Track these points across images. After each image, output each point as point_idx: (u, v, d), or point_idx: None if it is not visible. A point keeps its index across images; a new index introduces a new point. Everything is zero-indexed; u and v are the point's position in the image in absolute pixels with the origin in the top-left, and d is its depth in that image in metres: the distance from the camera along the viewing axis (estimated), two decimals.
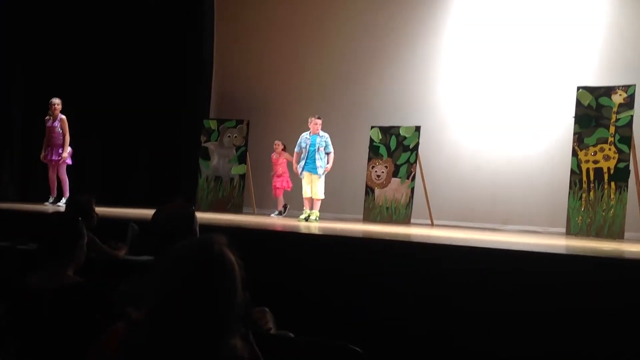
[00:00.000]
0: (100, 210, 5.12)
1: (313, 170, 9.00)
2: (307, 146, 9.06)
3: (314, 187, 9.01)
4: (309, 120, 9.16)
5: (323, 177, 9.05)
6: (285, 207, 10.38)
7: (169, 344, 1.59)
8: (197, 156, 11.09)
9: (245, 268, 1.73)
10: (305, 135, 9.17)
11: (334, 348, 2.36)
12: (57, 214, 3.20)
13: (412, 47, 10.72)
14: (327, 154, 9.06)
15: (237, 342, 1.63)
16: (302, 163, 9.10)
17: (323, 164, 8.99)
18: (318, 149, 9.00)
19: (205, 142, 11.13)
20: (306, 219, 8.96)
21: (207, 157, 11.08)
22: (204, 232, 2.13)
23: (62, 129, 9.41)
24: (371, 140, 10.07)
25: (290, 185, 10.39)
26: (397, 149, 9.85)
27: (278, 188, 10.43)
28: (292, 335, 2.60)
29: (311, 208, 9.06)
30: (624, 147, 8.05)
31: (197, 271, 1.61)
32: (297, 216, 9.39)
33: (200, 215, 8.46)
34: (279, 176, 10.43)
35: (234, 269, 1.65)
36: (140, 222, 5.70)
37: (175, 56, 11.62)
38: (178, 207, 2.71)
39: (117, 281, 2.68)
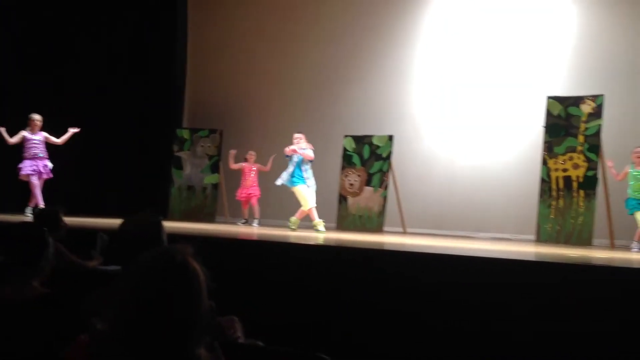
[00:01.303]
0: (71, 220, 5.07)
1: (301, 181, 8.87)
2: (292, 159, 8.92)
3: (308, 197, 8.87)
4: None
5: (311, 185, 8.92)
6: (247, 221, 10.31)
7: (133, 355, 1.58)
8: (169, 166, 11.03)
9: (215, 277, 1.72)
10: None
11: (304, 357, 2.36)
12: (22, 224, 3.14)
13: (385, 57, 10.79)
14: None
15: (203, 352, 1.62)
16: (288, 177, 8.86)
17: (310, 174, 8.91)
18: (302, 161, 8.90)
19: (177, 151, 11.08)
20: (320, 230, 8.78)
21: (179, 167, 11.03)
22: (173, 241, 2.12)
23: (46, 142, 9.31)
24: (344, 149, 10.10)
25: (259, 194, 10.35)
26: (371, 158, 9.90)
27: (253, 196, 10.36)
28: (261, 344, 2.59)
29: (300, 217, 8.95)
30: (592, 156, 8.19)
31: (160, 281, 1.60)
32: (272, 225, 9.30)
33: (172, 225, 8.38)
34: (250, 187, 10.37)
35: (198, 278, 1.64)
36: (111, 232, 5.64)
37: (148, 65, 11.54)
38: (145, 216, 2.69)
39: (84, 292, 2.64)
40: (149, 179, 11.33)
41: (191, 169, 11.02)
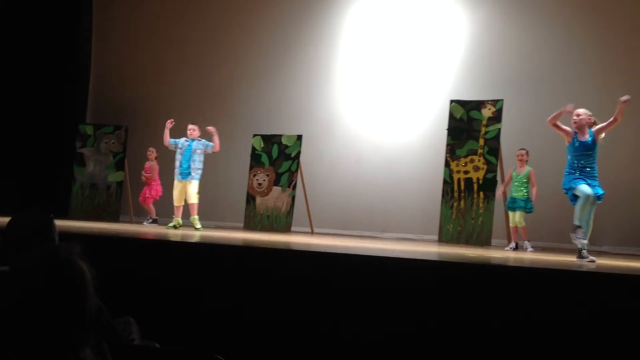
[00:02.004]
0: None
1: (187, 176, 8.63)
2: (183, 149, 8.70)
3: (190, 192, 8.63)
4: None
5: (197, 180, 8.68)
6: (155, 219, 10.05)
7: (14, 357, 1.50)
8: (71, 162, 10.63)
9: (113, 277, 1.67)
10: (183, 139, 8.81)
11: (200, 358, 2.32)
12: None
13: (294, 57, 10.82)
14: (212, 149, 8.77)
15: (88, 353, 1.57)
16: (178, 169, 8.67)
17: (199, 170, 8.66)
18: (195, 152, 8.69)
19: (80, 147, 10.70)
20: (175, 227, 8.62)
21: (82, 164, 10.66)
22: (66, 240, 2.04)
23: None
24: (253, 149, 10.05)
25: (160, 193, 10.12)
26: (279, 157, 9.89)
27: (149, 197, 10.11)
28: (157, 345, 2.53)
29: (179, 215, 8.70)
30: (492, 159, 8.52)
31: (42, 281, 1.53)
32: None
33: (73, 224, 8.07)
34: (150, 184, 10.12)
35: (84, 278, 1.58)
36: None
37: (50, 56, 11.07)
38: (34, 214, 2.57)
39: None
40: (49, 176, 10.88)
41: (94, 166, 10.67)
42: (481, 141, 8.64)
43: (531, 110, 8.92)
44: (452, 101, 9.00)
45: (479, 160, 8.57)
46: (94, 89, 11.76)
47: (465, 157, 8.66)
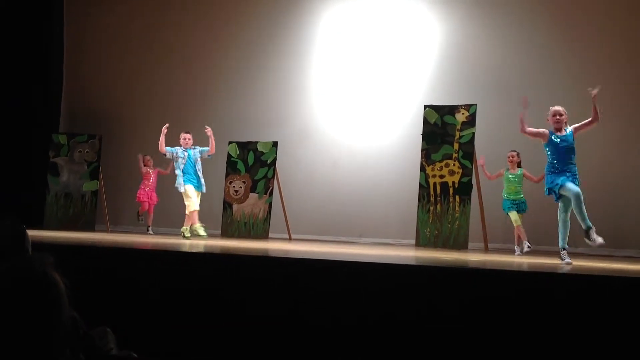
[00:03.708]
0: None
1: (195, 184, 8.44)
2: (185, 159, 8.50)
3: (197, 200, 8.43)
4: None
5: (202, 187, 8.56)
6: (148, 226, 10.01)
7: None
8: (45, 172, 10.51)
9: (89, 287, 1.65)
10: (178, 149, 8.61)
11: None
12: None
13: (270, 64, 10.82)
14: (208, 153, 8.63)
15: None
16: (183, 177, 8.42)
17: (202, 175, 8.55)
18: (196, 161, 8.53)
19: (54, 157, 10.60)
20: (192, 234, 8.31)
21: (56, 173, 10.55)
22: (39, 251, 2.02)
23: None
24: (229, 156, 10.03)
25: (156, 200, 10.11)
26: (255, 164, 9.89)
27: (151, 202, 10.08)
28: (135, 355, 2.51)
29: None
30: (466, 163, 8.58)
31: (16, 294, 1.52)
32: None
33: (48, 234, 7.98)
34: (152, 189, 10.10)
35: (57, 289, 1.57)
36: None
37: (22, 65, 10.95)
38: (6, 225, 2.54)
39: None
40: (22, 186, 10.75)
41: (69, 176, 10.57)
42: (456, 145, 8.70)
43: (504, 114, 9.01)
44: (426, 106, 9.06)
45: (454, 165, 8.63)
46: (67, 97, 11.65)
47: (441, 161, 8.72)
